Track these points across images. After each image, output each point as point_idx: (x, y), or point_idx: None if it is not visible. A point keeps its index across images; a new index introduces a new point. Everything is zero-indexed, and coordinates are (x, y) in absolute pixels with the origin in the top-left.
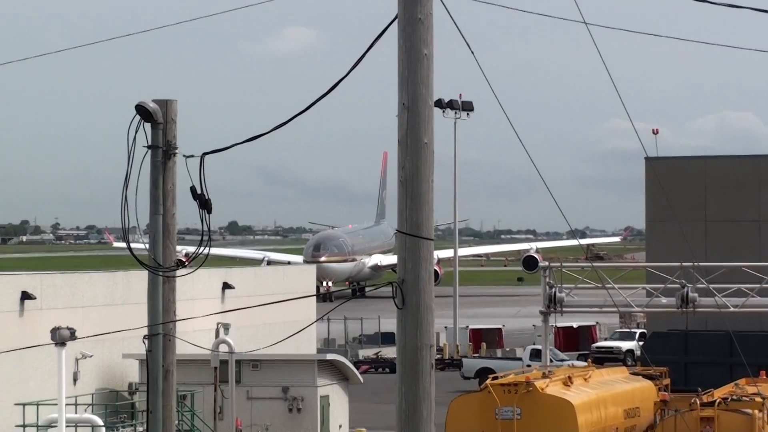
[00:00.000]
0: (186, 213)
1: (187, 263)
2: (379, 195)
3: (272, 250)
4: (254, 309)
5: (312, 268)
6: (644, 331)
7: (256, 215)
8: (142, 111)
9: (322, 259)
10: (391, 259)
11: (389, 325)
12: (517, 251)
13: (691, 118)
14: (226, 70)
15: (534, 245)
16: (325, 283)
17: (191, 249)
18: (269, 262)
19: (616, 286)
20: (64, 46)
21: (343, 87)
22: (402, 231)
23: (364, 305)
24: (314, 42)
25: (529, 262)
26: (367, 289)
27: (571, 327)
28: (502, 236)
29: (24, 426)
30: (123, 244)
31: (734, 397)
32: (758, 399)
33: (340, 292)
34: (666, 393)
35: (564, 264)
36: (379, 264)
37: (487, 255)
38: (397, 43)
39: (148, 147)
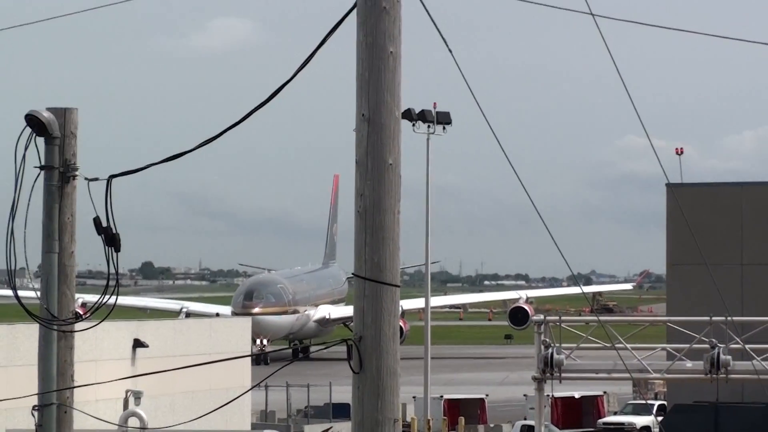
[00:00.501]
0: (88, 251)
1: (87, 315)
2: (328, 230)
3: (197, 299)
4: (173, 374)
5: (246, 322)
6: (664, 402)
7: (177, 254)
8: (33, 122)
9: (256, 310)
10: (343, 310)
11: (343, 393)
12: (503, 301)
13: (724, 134)
14: (138, 72)
15: (524, 293)
16: (258, 341)
17: (92, 298)
18: (188, 315)
19: (628, 346)
20: None
21: (286, 93)
22: (359, 275)
23: (310, 369)
24: (249, 36)
25: (518, 315)
26: (312, 348)
27: (572, 397)
28: (486, 282)
29: None
30: (7, 292)
31: None
32: None
33: (278, 353)
34: None
35: (564, 318)
36: (327, 317)
37: (465, 306)
38: (356, 38)
39: (41, 167)
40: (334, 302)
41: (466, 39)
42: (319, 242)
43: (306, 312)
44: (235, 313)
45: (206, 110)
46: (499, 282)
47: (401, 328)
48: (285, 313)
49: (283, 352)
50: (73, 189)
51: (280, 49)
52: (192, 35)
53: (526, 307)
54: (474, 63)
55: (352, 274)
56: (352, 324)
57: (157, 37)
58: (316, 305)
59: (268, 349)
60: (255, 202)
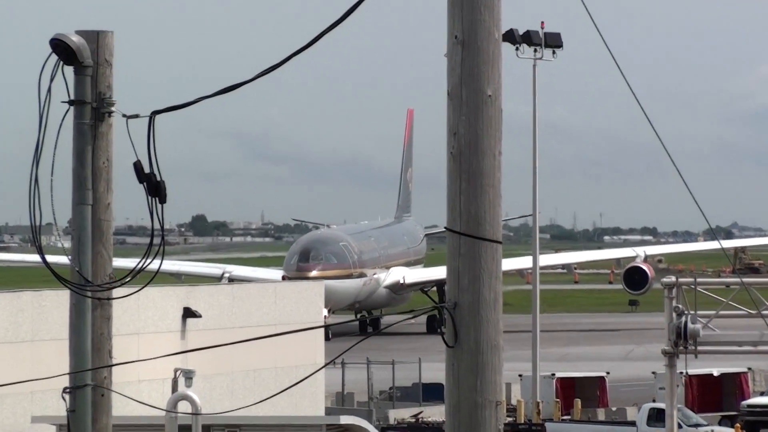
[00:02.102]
0: (127, 202)
1: (128, 279)
2: (401, 176)
3: (258, 259)
4: (231, 349)
5: (319, 286)
6: None
7: (234, 206)
8: (60, 48)
9: (313, 273)
10: (421, 273)
11: (434, 372)
12: (616, 260)
13: None
14: None
15: (642, 250)
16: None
17: (128, 263)
18: (231, 280)
19: None
20: None
21: (360, 12)
22: (453, 229)
23: (395, 343)
24: None
25: (635, 277)
26: (391, 319)
27: (711, 375)
28: (606, 237)
29: None
30: (32, 256)
31: None
32: None
33: (341, 326)
34: None
35: (699, 280)
36: (401, 282)
37: (575, 266)
38: None
39: (70, 102)
40: (409, 264)
41: None
42: (394, 191)
43: (375, 275)
44: (287, 278)
45: (265, 33)
46: (622, 237)
47: (646, 273)
48: (349, 276)
49: (346, 324)
50: (109, 128)
51: None
52: None
53: (644, 267)
54: None
55: (444, 228)
56: (430, 290)
57: None
58: (388, 267)
59: (330, 320)
60: (326, 144)
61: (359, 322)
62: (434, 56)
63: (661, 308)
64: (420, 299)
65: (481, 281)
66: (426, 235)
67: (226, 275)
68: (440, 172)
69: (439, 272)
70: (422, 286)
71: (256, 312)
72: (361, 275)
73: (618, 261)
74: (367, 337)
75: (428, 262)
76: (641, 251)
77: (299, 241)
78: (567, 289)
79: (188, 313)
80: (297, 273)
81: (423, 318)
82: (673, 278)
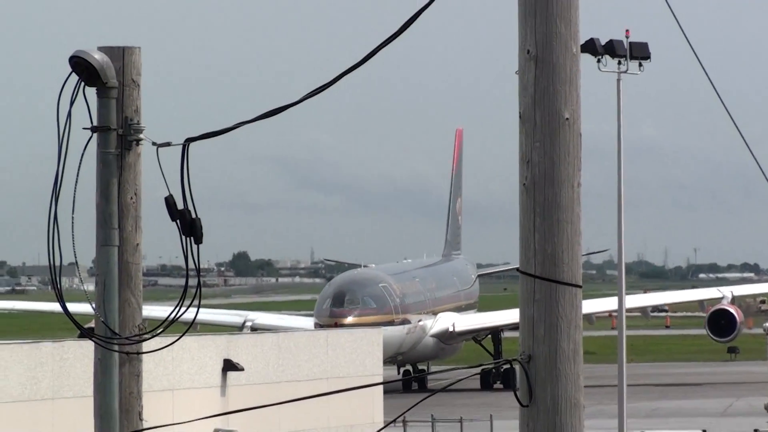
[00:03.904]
0: (159, 239)
1: (160, 330)
2: (450, 207)
3: (309, 302)
4: (278, 408)
5: (377, 335)
6: None
7: (281, 242)
8: (81, 67)
9: (349, 319)
10: (473, 320)
11: (507, 431)
12: (699, 302)
13: None
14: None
15: (730, 291)
16: None
17: (161, 311)
18: (254, 329)
19: None
20: None
21: (413, 32)
22: (527, 272)
23: (463, 397)
24: None
25: (719, 322)
26: (433, 372)
27: None
28: (701, 275)
29: None
30: (52, 304)
31: None
32: None
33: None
34: None
35: None
36: (450, 329)
37: (659, 307)
38: None
39: (94, 129)
40: (459, 309)
41: None
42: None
43: (420, 322)
44: (319, 325)
45: (309, 50)
46: (720, 275)
47: (734, 317)
48: (391, 323)
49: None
50: (137, 157)
51: None
52: None
53: (731, 310)
54: None
55: (517, 270)
56: (485, 339)
57: None
58: (435, 313)
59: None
60: (380, 168)
61: (402, 375)
62: (491, 71)
63: (763, 356)
64: (472, 350)
65: (559, 330)
66: (479, 275)
67: (248, 324)
68: (493, 200)
69: (495, 318)
70: (475, 335)
71: (306, 364)
72: (404, 322)
73: (701, 303)
74: (432, 393)
75: (482, 306)
76: (728, 291)
77: (332, 283)
78: (657, 334)
79: (229, 366)
80: (330, 320)
81: (465, 373)
82: None
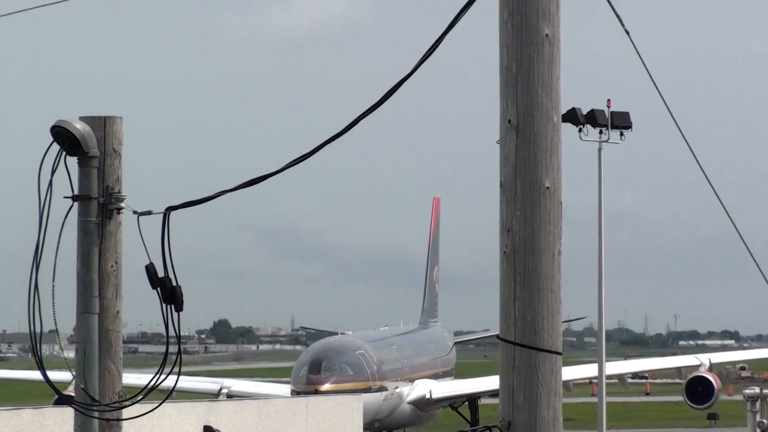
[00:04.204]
0: (140, 306)
1: (140, 396)
2: (427, 275)
3: (289, 369)
4: None
5: (357, 401)
6: None
7: (261, 309)
8: (62, 136)
9: (326, 387)
10: (450, 387)
11: None
12: (676, 369)
13: None
14: (197, 65)
15: (707, 358)
16: None
17: (140, 378)
18: (230, 396)
19: None
20: None
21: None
22: (507, 339)
23: None
24: (345, 14)
25: (697, 389)
26: None
27: None
28: (681, 342)
29: None
30: (32, 372)
31: None
32: None
33: None
34: None
35: None
36: (427, 396)
37: (639, 374)
38: (498, 18)
39: (74, 198)
40: (436, 376)
41: (643, 21)
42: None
43: (397, 389)
44: (296, 392)
45: (289, 117)
46: (700, 342)
47: (712, 384)
48: (368, 390)
49: None
50: (118, 226)
51: (387, 28)
52: (269, 12)
53: (709, 377)
54: (662, 46)
55: (497, 337)
56: (461, 406)
57: (223, 14)
58: (412, 380)
59: None
60: (361, 237)
61: None
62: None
63: (743, 422)
64: (449, 418)
65: (539, 398)
66: (459, 342)
67: (224, 391)
68: (467, 268)
69: (472, 385)
70: (452, 402)
71: (286, 430)
72: (381, 389)
73: (678, 370)
74: None
75: (462, 372)
76: (706, 359)
77: (309, 350)
78: (637, 401)
79: None
80: (307, 386)
81: None
82: (756, 389)
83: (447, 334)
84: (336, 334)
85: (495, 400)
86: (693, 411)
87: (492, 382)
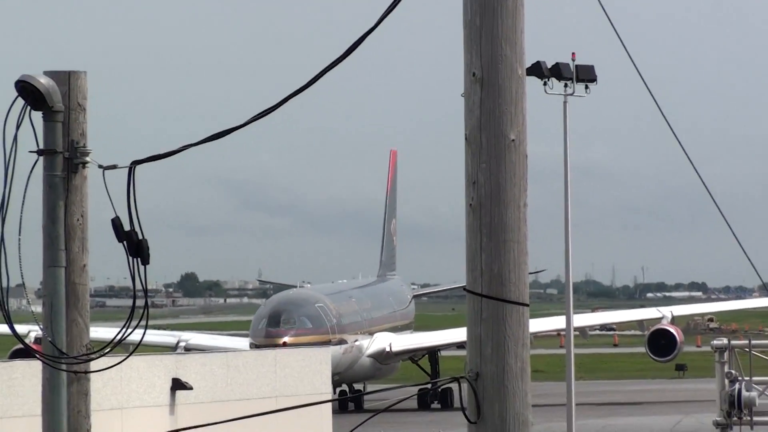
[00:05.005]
0: (107, 260)
1: (107, 349)
2: (384, 227)
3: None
4: (227, 426)
5: (325, 353)
6: None
7: (228, 263)
8: (27, 91)
9: (285, 339)
10: (410, 340)
11: None
12: (638, 322)
13: None
14: (163, 18)
15: (669, 311)
16: None
17: (108, 332)
18: (188, 349)
19: None
20: None
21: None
22: (473, 291)
23: (412, 415)
24: None
25: (659, 342)
26: (373, 392)
27: None
28: (649, 294)
29: None
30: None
31: None
32: None
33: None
34: None
35: (755, 342)
36: (387, 350)
37: (584, 330)
38: None
39: (40, 152)
40: (395, 329)
41: None
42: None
43: (357, 342)
44: (255, 345)
45: (254, 72)
46: (667, 294)
47: (674, 336)
48: (327, 343)
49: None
50: (83, 180)
51: None
52: None
53: (671, 330)
54: (618, 3)
55: (464, 288)
56: (421, 359)
57: None
58: (371, 333)
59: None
60: (328, 190)
61: (339, 394)
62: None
63: (711, 373)
64: (409, 371)
65: (506, 349)
66: (426, 294)
67: (182, 344)
68: (426, 220)
69: (431, 338)
70: (412, 355)
71: (255, 383)
72: (341, 342)
73: (641, 323)
74: (375, 414)
75: (419, 325)
76: (668, 311)
77: (268, 303)
78: (606, 353)
79: (178, 385)
80: (266, 340)
81: (410, 391)
82: (724, 340)
83: (405, 287)
84: (294, 287)
85: (455, 353)
86: (661, 362)
87: (451, 335)
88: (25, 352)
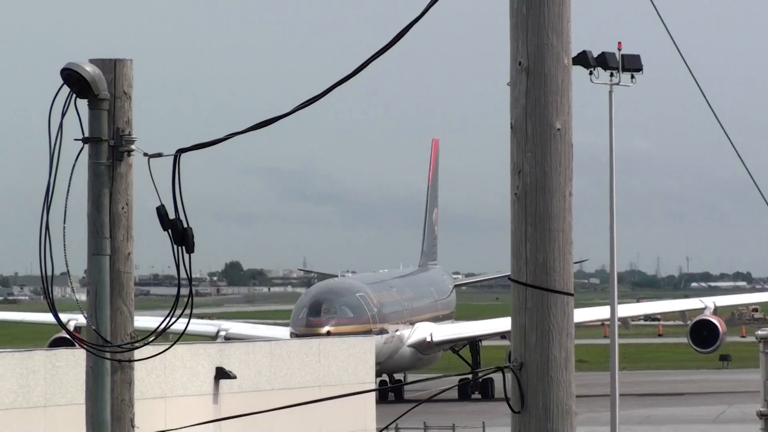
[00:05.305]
0: (152, 249)
1: (152, 338)
2: (426, 217)
3: None
4: (270, 415)
5: (369, 343)
6: None
7: (273, 252)
8: (73, 79)
9: (326, 329)
10: (451, 330)
11: None
12: (680, 313)
13: None
14: (209, 6)
15: (712, 301)
16: None
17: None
18: (228, 338)
19: None
20: None
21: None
22: (518, 280)
23: (455, 406)
24: None
25: (702, 333)
26: (410, 381)
27: None
28: (694, 284)
29: None
30: (44, 315)
31: None
32: None
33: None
34: None
35: None
36: (428, 339)
37: (652, 316)
38: None
39: (85, 140)
40: (436, 319)
41: None
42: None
43: (398, 332)
44: (295, 335)
45: (301, 62)
46: (712, 283)
47: (717, 327)
48: (368, 333)
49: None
50: (129, 168)
51: None
52: None
53: (713, 320)
54: None
55: (508, 278)
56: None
57: None
58: (412, 323)
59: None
60: (372, 180)
61: (380, 384)
62: (483, 82)
63: (755, 364)
64: (450, 361)
65: (551, 338)
66: (467, 284)
67: (222, 333)
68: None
69: (472, 328)
70: (453, 345)
71: (298, 372)
72: (382, 331)
73: (683, 314)
74: (417, 404)
75: (460, 315)
76: (710, 302)
77: (309, 292)
78: (650, 343)
79: (221, 374)
80: (306, 329)
81: (452, 381)
82: (766, 332)
83: (447, 277)
84: (336, 276)
85: (495, 342)
86: (704, 353)
87: (492, 325)
88: (65, 341)
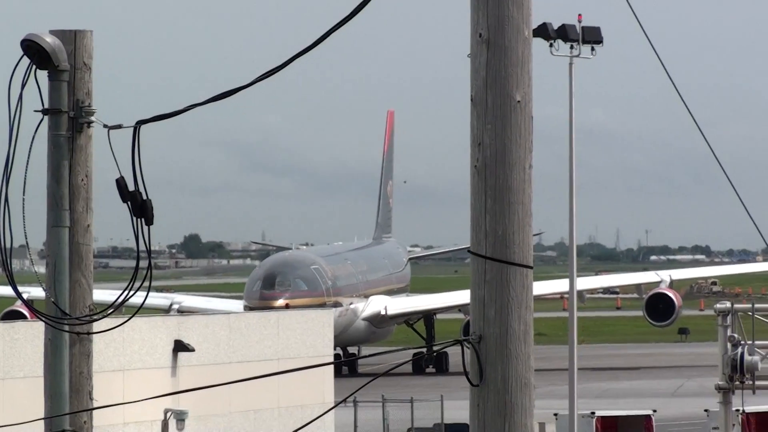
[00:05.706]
0: (110, 221)
1: (110, 310)
2: (381, 189)
3: None
4: (229, 388)
5: (327, 316)
6: None
7: (232, 225)
8: (32, 50)
9: (279, 302)
10: (405, 303)
11: (459, 411)
12: (636, 286)
13: None
14: None
15: (668, 275)
16: None
17: (110, 294)
18: (181, 311)
19: None
20: None
21: (362, 14)
22: (478, 253)
23: (415, 379)
24: None
25: (657, 306)
26: (365, 354)
27: None
28: (653, 257)
29: None
30: (2, 287)
31: None
32: None
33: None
34: None
35: (759, 306)
36: (382, 312)
37: (610, 289)
38: None
39: (45, 111)
40: (391, 292)
41: None
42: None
43: (352, 305)
44: (249, 308)
45: (261, 33)
46: (671, 257)
47: (672, 301)
48: (322, 306)
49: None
50: (88, 140)
51: None
52: None
53: (670, 294)
54: None
55: (468, 250)
56: (417, 322)
57: None
58: (367, 296)
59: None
60: (332, 152)
61: (335, 357)
62: (442, 55)
63: (714, 337)
64: (405, 335)
65: (510, 311)
66: (425, 256)
67: (175, 306)
68: (430, 182)
69: (427, 301)
70: (407, 318)
71: (257, 345)
72: (336, 304)
73: (638, 287)
74: (375, 378)
75: (414, 288)
76: (666, 275)
77: (263, 265)
78: (609, 316)
79: (180, 347)
80: (260, 302)
81: (407, 355)
82: (727, 304)
83: (401, 250)
84: (290, 249)
85: (450, 316)
86: (660, 327)
87: (447, 298)
88: (17, 314)
